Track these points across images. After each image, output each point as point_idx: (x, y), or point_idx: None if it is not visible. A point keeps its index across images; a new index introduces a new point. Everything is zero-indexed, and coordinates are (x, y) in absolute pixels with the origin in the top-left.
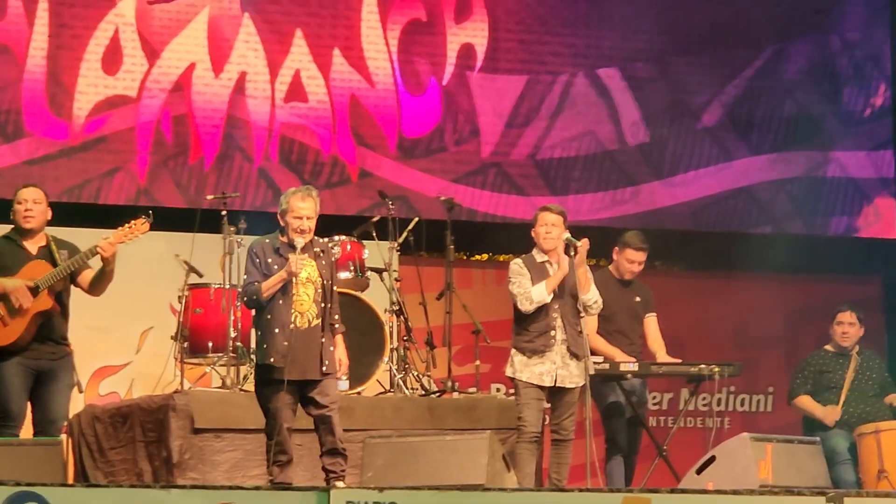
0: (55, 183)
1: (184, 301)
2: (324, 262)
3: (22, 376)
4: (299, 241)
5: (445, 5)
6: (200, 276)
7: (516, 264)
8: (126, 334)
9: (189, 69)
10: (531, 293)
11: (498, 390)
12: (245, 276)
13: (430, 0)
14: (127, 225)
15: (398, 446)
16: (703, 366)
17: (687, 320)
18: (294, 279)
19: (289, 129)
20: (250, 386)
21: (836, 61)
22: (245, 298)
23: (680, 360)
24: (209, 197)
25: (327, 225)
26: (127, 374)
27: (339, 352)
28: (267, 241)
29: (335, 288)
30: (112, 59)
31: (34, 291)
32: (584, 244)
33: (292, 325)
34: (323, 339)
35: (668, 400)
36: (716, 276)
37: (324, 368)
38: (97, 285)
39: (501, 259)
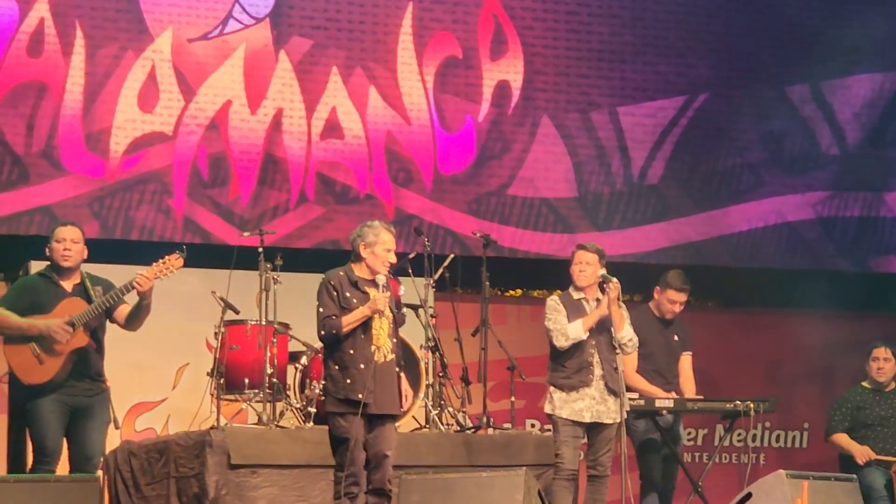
0: (91, 220)
1: (220, 337)
2: (390, 298)
3: (58, 413)
4: (381, 278)
5: (481, 43)
6: (237, 312)
7: (553, 300)
8: (162, 370)
9: (225, 106)
10: (567, 330)
11: (533, 426)
12: (321, 310)
13: (465, 37)
14: (161, 260)
15: (434, 483)
16: (738, 402)
17: (721, 356)
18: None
19: (325, 165)
20: (286, 422)
21: (884, 98)
22: (323, 332)
23: (703, 397)
24: (245, 234)
25: None
26: (163, 410)
27: (404, 385)
28: (342, 273)
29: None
30: (148, 96)
31: (71, 328)
32: (614, 286)
33: (373, 360)
34: (397, 375)
35: (703, 436)
36: (750, 312)
37: (398, 404)
38: (134, 320)
39: (535, 294)
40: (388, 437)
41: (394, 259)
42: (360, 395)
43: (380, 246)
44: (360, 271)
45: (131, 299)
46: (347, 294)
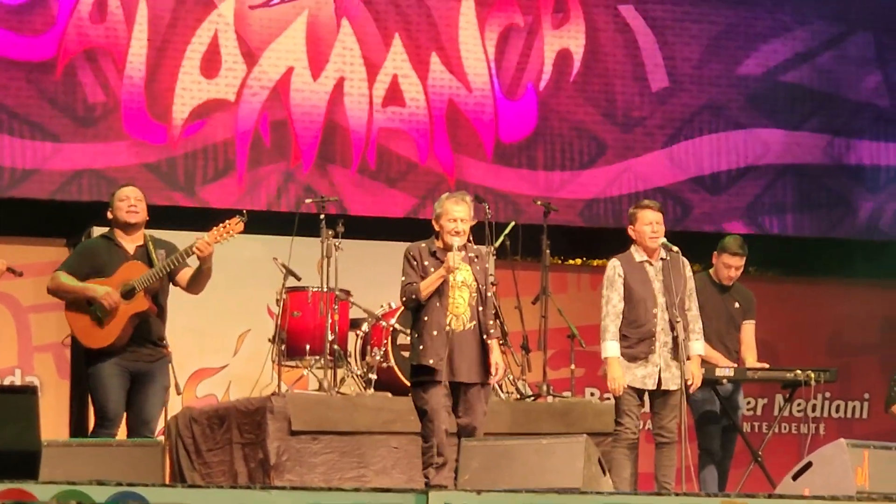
0: (153, 185)
1: (281, 304)
2: (478, 268)
3: (120, 378)
4: (456, 241)
5: (543, 10)
6: (298, 279)
7: (613, 269)
8: (224, 337)
9: (288, 73)
10: (605, 342)
11: (592, 395)
12: (403, 278)
13: (527, 5)
14: (222, 225)
15: (494, 449)
16: (798, 371)
17: (781, 326)
18: (451, 282)
19: (387, 134)
20: (347, 388)
21: None
22: (404, 298)
23: (767, 366)
24: (307, 201)
25: (425, 229)
26: (224, 376)
27: (495, 356)
28: (423, 244)
29: (489, 294)
30: (211, 63)
31: (131, 293)
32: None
33: (448, 328)
34: (481, 344)
35: (763, 406)
36: (811, 281)
37: (481, 374)
38: (195, 284)
39: (595, 264)
40: (475, 409)
41: (462, 228)
42: (431, 361)
43: (444, 217)
44: (439, 243)
45: (193, 262)
46: (426, 263)
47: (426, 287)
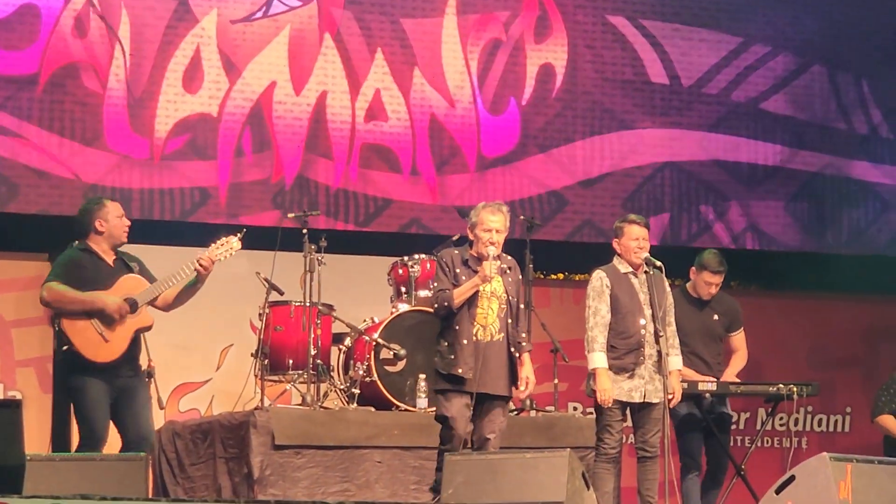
0: (135, 200)
1: (264, 319)
2: (510, 280)
3: (108, 395)
4: (492, 250)
5: (525, 25)
6: (281, 293)
7: (599, 280)
8: (207, 352)
9: (270, 87)
10: (593, 353)
11: (575, 409)
12: (435, 284)
13: (509, 20)
14: (220, 242)
15: (478, 464)
16: (781, 385)
17: (764, 340)
18: (481, 292)
19: (369, 148)
20: (330, 403)
21: None
22: (436, 305)
23: (738, 380)
24: (290, 215)
25: (408, 244)
26: (207, 390)
27: (526, 370)
28: (456, 252)
29: (522, 306)
30: (193, 77)
31: (133, 307)
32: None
33: (474, 338)
34: (508, 357)
35: (745, 419)
36: (793, 295)
37: (507, 387)
38: (180, 300)
39: (577, 279)
40: (492, 421)
41: (497, 238)
42: (461, 370)
43: (479, 227)
44: (472, 252)
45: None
46: (458, 271)
47: (460, 295)
